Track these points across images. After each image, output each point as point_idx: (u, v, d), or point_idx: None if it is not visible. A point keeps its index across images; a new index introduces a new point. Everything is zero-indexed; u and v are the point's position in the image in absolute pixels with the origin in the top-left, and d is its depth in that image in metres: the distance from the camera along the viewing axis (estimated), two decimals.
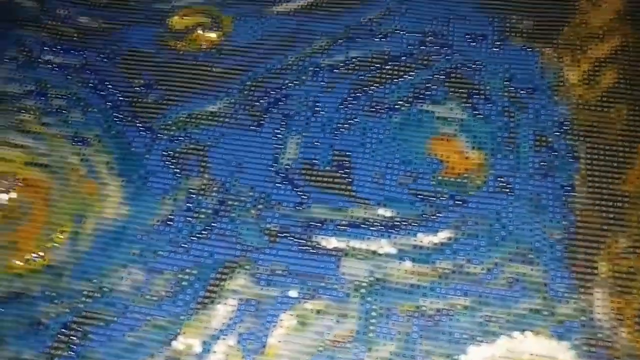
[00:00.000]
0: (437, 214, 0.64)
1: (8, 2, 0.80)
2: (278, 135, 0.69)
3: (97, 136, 0.71)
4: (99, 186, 0.68)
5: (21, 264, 0.64)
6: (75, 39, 0.78)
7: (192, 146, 0.69)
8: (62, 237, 0.65)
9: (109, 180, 0.68)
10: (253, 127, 0.70)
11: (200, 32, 0.77)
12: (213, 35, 0.76)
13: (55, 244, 0.65)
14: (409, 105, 0.70)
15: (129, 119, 0.72)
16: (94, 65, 0.76)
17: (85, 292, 0.63)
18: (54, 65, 0.76)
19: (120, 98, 0.73)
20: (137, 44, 0.77)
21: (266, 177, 0.67)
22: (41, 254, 0.64)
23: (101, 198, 0.68)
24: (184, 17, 0.78)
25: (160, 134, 0.70)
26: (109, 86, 0.74)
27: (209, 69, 0.74)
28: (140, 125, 0.71)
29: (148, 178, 0.67)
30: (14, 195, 0.68)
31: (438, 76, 0.72)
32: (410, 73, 0.72)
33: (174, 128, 0.70)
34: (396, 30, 0.75)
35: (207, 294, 0.61)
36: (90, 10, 0.80)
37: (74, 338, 0.61)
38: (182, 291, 0.62)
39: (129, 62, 0.76)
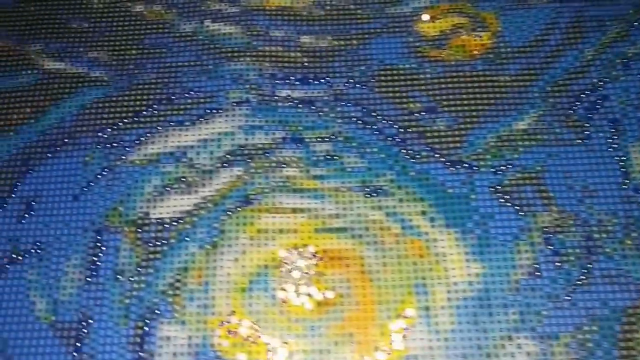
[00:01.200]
0: None
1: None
2: (613, 146, 0.61)
3: (392, 181, 0.60)
4: (426, 244, 0.58)
5: None
6: (307, 64, 0.66)
7: (520, 175, 0.62)
8: (409, 318, 0.55)
9: (436, 234, 0.59)
10: (578, 141, 0.62)
11: (464, 35, 0.66)
12: (481, 37, 0.66)
13: (405, 327, 0.59)
14: None
15: (424, 153, 0.61)
16: (347, 93, 0.65)
17: None
18: (296, 100, 0.64)
19: (399, 129, 0.63)
20: (389, 59, 0.66)
21: (623, 197, 0.58)
22: (390, 344, 0.55)
23: (438, 259, 0.58)
24: (435, 20, 0.67)
25: (476, 167, 0.61)
26: (378, 116, 0.63)
27: (496, 78, 0.64)
28: (444, 159, 0.62)
29: (487, 224, 0.59)
30: (318, 271, 0.60)
31: None
32: None
33: (488, 156, 0.62)
34: None
35: (623, 352, 0.53)
36: (310, 26, 0.68)
37: None
38: (591, 355, 0.53)
39: (389, 83, 0.66)
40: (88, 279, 0.64)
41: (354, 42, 0.74)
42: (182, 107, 0.71)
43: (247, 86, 0.71)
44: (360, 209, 0.65)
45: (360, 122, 0.69)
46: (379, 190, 0.66)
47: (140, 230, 0.65)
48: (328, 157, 0.67)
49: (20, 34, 0.77)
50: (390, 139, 0.68)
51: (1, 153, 0.70)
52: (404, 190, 0.66)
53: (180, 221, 0.65)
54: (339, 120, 0.69)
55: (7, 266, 0.65)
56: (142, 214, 0.66)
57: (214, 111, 0.70)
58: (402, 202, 0.65)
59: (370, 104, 0.70)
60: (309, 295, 0.62)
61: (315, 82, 0.71)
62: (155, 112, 0.71)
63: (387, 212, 0.65)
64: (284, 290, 0.62)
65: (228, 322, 0.61)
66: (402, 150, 0.67)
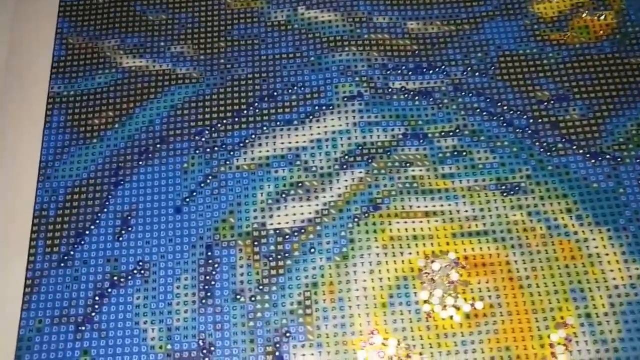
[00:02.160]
0: None
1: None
2: None
3: (529, 177, 0.56)
4: (577, 245, 0.55)
5: None
6: (418, 52, 0.62)
7: None
8: (569, 327, 0.51)
9: (586, 234, 0.56)
10: None
11: (585, 15, 0.62)
12: (604, 16, 0.62)
13: (566, 337, 0.55)
14: None
15: (560, 145, 0.58)
16: (466, 83, 0.61)
17: None
18: (411, 92, 0.60)
19: (530, 120, 0.65)
20: (506, 44, 0.62)
21: None
22: (553, 357, 0.55)
23: (592, 260, 0.55)
24: (552, 0, 0.63)
25: (619, 158, 0.64)
26: (504, 107, 0.65)
27: (627, 60, 0.64)
28: (582, 151, 0.65)
29: None
30: (463, 280, 0.58)
31: None
32: None
33: (631, 146, 0.65)
34: None
35: None
36: (415, 11, 0.66)
37: None
38: None
39: (510, 70, 0.68)
40: (203, 300, 0.58)
41: (466, 26, 0.69)
42: (287, 103, 0.65)
43: (357, 78, 0.66)
44: (499, 209, 0.60)
45: (486, 113, 0.64)
46: (516, 188, 0.61)
47: (257, 243, 0.60)
48: (455, 153, 0.62)
49: (92, 29, 0.71)
50: (520, 130, 0.64)
51: (86, 163, 0.64)
52: (544, 187, 0.61)
53: (302, 231, 0.60)
54: (462, 112, 0.64)
55: (109, 290, 0.59)
56: (258, 224, 0.61)
57: (324, 107, 0.65)
58: (543, 200, 0.60)
59: (494, 94, 0.65)
60: (456, 307, 0.57)
61: (430, 71, 0.67)
62: (258, 110, 0.65)
63: (529, 212, 0.60)
64: (429, 302, 0.57)
65: (371, 343, 0.56)
66: (536, 143, 0.63)
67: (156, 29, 0.70)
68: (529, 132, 0.63)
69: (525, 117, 0.64)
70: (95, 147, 0.65)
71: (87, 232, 0.61)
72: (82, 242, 0.61)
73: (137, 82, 0.68)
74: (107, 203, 0.62)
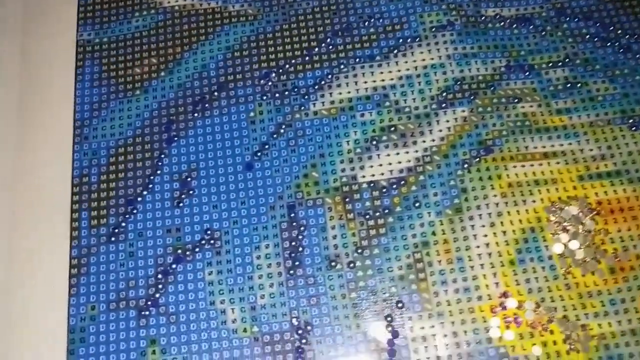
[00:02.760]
0: None
1: None
2: None
3: None
4: None
5: None
6: None
7: None
8: None
9: None
10: None
11: None
12: None
13: None
14: None
15: None
16: (571, 7, 0.51)
17: None
18: (508, 20, 0.50)
19: None
20: None
21: None
22: None
23: None
24: None
25: None
26: (618, 31, 0.54)
27: None
28: None
29: None
30: (599, 228, 0.47)
31: None
32: None
33: None
34: None
35: None
36: None
37: None
38: None
39: None
40: (291, 271, 0.47)
41: None
42: (364, 37, 0.55)
43: (444, 6, 0.56)
44: (629, 145, 0.51)
45: (597, 39, 0.54)
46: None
47: (348, 199, 0.49)
48: (569, 85, 0.53)
49: None
50: None
51: (130, 118, 0.53)
52: None
53: (402, 183, 0.50)
54: (570, 40, 0.55)
55: (174, 266, 0.48)
56: (347, 178, 0.50)
57: (409, 40, 0.54)
58: None
59: (604, 17, 0.55)
60: (597, 260, 0.47)
61: None
62: (332, 47, 0.55)
63: None
64: (564, 257, 0.47)
65: (504, 308, 0.46)
66: None
67: None
68: None
69: None
70: (139, 100, 0.54)
71: (140, 199, 0.51)
72: (135, 211, 0.50)
73: (182, 23, 0.57)
74: (160, 164, 0.52)
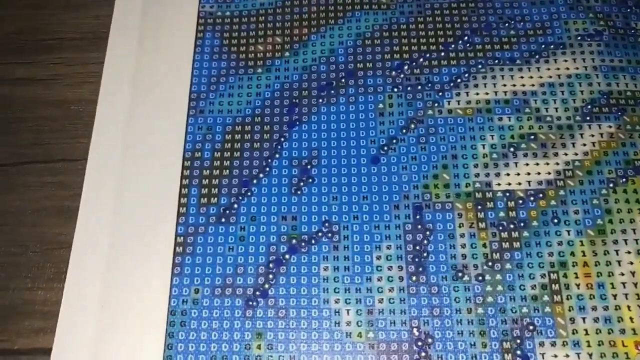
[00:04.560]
0: None
1: None
2: None
3: None
4: None
5: None
6: None
7: None
8: None
9: None
10: None
11: None
12: None
13: None
14: None
15: None
16: None
17: None
18: None
19: None
20: None
21: None
22: None
23: None
24: None
25: None
26: None
27: None
28: None
29: None
30: None
31: None
32: None
33: None
34: None
35: None
36: None
37: None
38: None
39: None
40: (414, 277, 0.42)
41: None
42: (504, 39, 0.50)
43: (591, 14, 0.51)
44: None
45: None
46: None
47: (481, 207, 0.44)
48: None
49: None
50: None
51: (250, 96, 0.48)
52: None
53: (541, 195, 0.44)
54: None
55: (287, 256, 0.43)
56: (481, 184, 0.45)
57: (552, 46, 0.49)
58: None
59: None
60: None
61: None
62: (469, 45, 0.50)
63: None
64: None
65: None
66: None
67: None
68: None
69: None
70: (260, 78, 0.50)
71: (256, 182, 0.46)
72: (249, 194, 0.46)
73: (310, 4, 0.53)
74: (279, 147, 0.47)
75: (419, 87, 0.49)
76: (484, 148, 0.47)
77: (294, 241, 0.45)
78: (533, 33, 0.51)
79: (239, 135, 0.48)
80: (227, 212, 0.46)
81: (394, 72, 0.50)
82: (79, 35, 0.53)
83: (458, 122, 0.48)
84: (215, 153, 0.48)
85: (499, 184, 0.46)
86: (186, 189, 0.47)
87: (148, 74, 0.50)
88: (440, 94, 0.49)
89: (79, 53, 0.52)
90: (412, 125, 0.48)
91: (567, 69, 0.50)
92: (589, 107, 0.48)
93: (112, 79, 0.50)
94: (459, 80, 0.49)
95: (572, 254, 0.44)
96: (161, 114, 0.49)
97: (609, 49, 0.50)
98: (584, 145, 0.47)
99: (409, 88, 0.49)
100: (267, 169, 0.47)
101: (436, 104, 0.48)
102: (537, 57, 0.50)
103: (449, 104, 0.48)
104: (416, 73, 0.50)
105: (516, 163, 0.46)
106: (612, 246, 0.44)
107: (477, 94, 0.49)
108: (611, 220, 0.44)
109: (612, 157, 0.46)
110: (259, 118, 0.49)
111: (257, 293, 0.43)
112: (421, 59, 0.50)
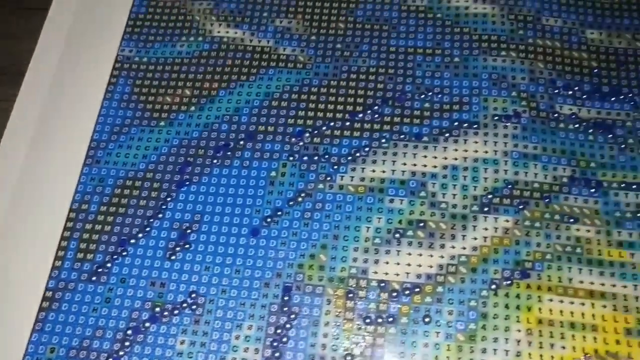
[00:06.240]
0: None
1: None
2: None
3: None
4: None
5: None
6: (598, 71, 0.42)
7: None
8: None
9: None
10: None
11: None
12: None
13: None
14: None
15: None
16: None
17: None
18: (585, 123, 0.41)
19: None
20: None
21: None
22: None
23: None
24: None
25: None
26: None
27: None
28: None
29: None
30: None
31: None
32: None
33: None
34: None
35: None
36: (598, 16, 0.47)
37: None
38: None
39: None
40: None
41: None
42: (417, 112, 0.46)
43: (514, 93, 0.46)
44: None
45: None
46: None
47: (352, 295, 0.41)
48: None
49: None
50: None
51: (147, 150, 0.47)
52: None
53: (416, 290, 0.41)
54: None
55: (147, 324, 0.41)
56: (357, 270, 0.42)
57: (466, 125, 0.46)
58: None
59: None
60: None
61: (612, 98, 0.47)
62: (378, 115, 0.46)
63: None
64: None
65: None
66: None
67: None
68: None
69: None
70: (161, 132, 0.48)
71: (133, 241, 0.44)
72: (125, 254, 0.44)
73: (226, 57, 0.51)
74: (163, 208, 0.45)
75: (316, 157, 0.46)
76: (367, 231, 0.44)
77: (157, 309, 0.43)
78: (449, 108, 0.48)
79: (128, 191, 0.47)
80: (100, 270, 0.44)
81: (293, 139, 0.47)
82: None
83: (347, 200, 0.45)
84: (102, 207, 0.46)
85: (375, 272, 0.43)
86: (66, 242, 0.45)
87: (54, 117, 0.49)
88: (336, 167, 0.46)
89: None
90: (300, 199, 0.45)
91: (476, 151, 0.46)
92: (489, 196, 0.44)
93: (20, 118, 0.49)
94: (357, 154, 0.46)
95: (436, 358, 0.40)
96: (58, 161, 0.48)
97: (525, 133, 0.46)
98: (475, 239, 0.43)
99: (305, 158, 0.46)
100: (147, 229, 0.45)
101: (328, 178, 0.46)
102: (446, 134, 0.47)
103: (342, 179, 0.45)
104: (316, 142, 0.47)
105: (398, 251, 0.43)
106: (479, 355, 0.40)
107: (374, 170, 0.46)
108: (484, 327, 0.41)
109: (502, 256, 0.43)
110: (151, 174, 0.47)
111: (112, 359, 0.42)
112: (324, 127, 0.47)
